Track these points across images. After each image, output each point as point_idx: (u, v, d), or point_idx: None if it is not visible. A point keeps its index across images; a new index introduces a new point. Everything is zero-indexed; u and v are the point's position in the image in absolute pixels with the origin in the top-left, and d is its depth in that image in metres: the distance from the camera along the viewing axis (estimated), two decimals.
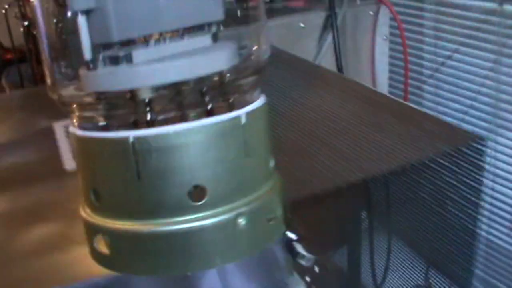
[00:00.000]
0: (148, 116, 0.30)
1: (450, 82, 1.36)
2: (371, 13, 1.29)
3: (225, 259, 0.32)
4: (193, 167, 0.30)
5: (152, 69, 0.30)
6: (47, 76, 0.34)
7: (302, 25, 1.16)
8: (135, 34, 0.30)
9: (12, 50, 2.01)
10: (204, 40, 0.32)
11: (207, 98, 0.31)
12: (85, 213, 0.33)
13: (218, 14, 0.33)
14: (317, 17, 1.18)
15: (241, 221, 0.32)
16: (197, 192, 0.31)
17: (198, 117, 0.31)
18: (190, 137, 0.30)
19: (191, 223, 0.31)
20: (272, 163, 0.35)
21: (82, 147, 0.32)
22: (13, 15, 1.45)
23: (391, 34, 1.37)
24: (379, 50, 1.33)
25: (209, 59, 0.31)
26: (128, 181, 0.30)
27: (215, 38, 0.33)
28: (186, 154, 0.30)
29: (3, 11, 1.47)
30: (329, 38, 1.19)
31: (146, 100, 0.30)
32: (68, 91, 0.33)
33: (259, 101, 0.33)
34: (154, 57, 0.30)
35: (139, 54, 0.30)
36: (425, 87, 1.41)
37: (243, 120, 0.32)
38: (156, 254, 0.31)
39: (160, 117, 0.31)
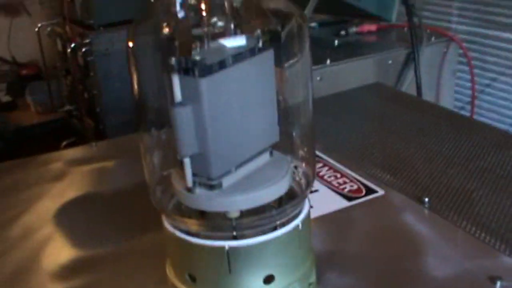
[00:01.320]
0: (234, 233, 0.42)
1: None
2: (444, 50, 1.39)
3: None
4: (267, 263, 0.43)
5: (240, 199, 0.42)
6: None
7: (390, 62, 1.29)
8: (226, 169, 0.42)
9: (27, 65, 2.09)
10: (265, 156, 0.45)
11: (274, 212, 0.43)
12: (181, 284, 0.45)
13: (276, 137, 0.45)
14: (401, 55, 1.31)
15: None
16: (268, 278, 0.43)
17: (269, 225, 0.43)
18: (267, 245, 0.43)
19: None
20: (310, 241, 0.47)
21: (180, 243, 0.44)
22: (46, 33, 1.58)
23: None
24: (446, 85, 1.43)
25: (277, 187, 0.43)
26: (220, 273, 0.43)
27: (271, 153, 0.46)
28: (264, 255, 0.43)
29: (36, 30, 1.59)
30: (410, 73, 1.31)
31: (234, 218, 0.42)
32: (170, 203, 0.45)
33: (307, 207, 0.46)
34: (237, 179, 0.43)
35: (226, 180, 0.42)
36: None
37: (300, 227, 0.44)
38: None
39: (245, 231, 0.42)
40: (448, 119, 0.85)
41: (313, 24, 1.48)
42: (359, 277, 0.51)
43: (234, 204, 0.42)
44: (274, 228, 0.43)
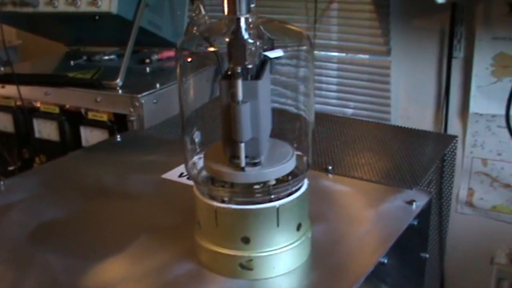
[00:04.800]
0: (272, 196, 0.56)
1: None
2: None
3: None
4: (298, 214, 0.58)
5: (277, 170, 0.56)
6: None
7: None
8: (265, 149, 0.56)
9: None
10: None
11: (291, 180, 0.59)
12: (230, 250, 0.57)
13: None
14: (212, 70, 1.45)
15: None
16: (299, 226, 0.58)
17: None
18: (298, 200, 0.57)
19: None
20: None
21: (236, 213, 0.55)
22: None
23: None
24: None
25: (293, 160, 0.58)
26: (270, 229, 0.56)
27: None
28: (296, 209, 0.57)
29: None
30: None
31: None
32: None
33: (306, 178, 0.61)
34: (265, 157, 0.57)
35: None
36: None
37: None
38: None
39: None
40: None
41: (112, 57, 1.59)
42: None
43: (274, 174, 0.56)
44: (290, 193, 0.57)
